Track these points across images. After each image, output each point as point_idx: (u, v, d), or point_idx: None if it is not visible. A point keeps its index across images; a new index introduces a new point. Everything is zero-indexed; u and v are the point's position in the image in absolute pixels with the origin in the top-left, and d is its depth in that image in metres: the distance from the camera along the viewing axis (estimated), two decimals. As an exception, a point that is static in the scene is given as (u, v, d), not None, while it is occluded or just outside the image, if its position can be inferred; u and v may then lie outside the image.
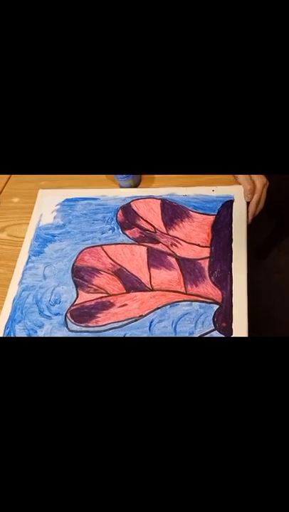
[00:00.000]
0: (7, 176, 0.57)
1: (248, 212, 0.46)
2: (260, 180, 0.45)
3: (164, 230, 0.47)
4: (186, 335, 0.40)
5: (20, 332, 0.44)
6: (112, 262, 0.46)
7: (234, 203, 0.46)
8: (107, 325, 0.42)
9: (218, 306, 0.41)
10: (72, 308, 0.44)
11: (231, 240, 0.44)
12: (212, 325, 0.40)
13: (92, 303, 0.44)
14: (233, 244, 0.44)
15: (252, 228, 0.46)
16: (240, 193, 0.47)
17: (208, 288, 0.42)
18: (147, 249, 0.46)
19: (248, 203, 0.46)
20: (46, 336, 0.43)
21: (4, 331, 0.44)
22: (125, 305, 0.43)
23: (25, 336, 0.43)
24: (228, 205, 0.47)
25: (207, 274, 0.43)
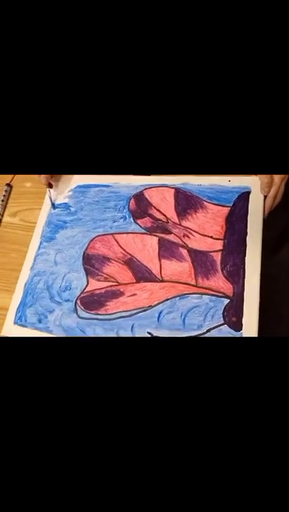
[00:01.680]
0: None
1: (264, 205, 0.45)
2: (279, 172, 0.43)
3: (176, 220, 0.46)
4: (195, 327, 0.40)
5: (31, 316, 0.45)
6: (123, 251, 0.46)
7: (251, 195, 0.45)
8: (116, 313, 0.42)
9: (228, 300, 0.40)
10: (82, 295, 0.44)
11: (246, 233, 0.43)
12: (222, 319, 0.39)
13: (102, 291, 0.44)
14: (247, 238, 0.43)
15: (266, 222, 0.44)
16: (257, 184, 0.45)
17: (219, 281, 0.41)
18: (159, 240, 0.45)
19: (265, 197, 0.45)
20: (56, 321, 0.44)
21: (16, 314, 0.45)
22: (135, 294, 0.43)
23: (36, 320, 0.44)
24: (244, 196, 0.45)
25: (219, 268, 0.42)
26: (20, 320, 0.45)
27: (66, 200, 0.51)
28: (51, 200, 0.50)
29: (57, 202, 0.51)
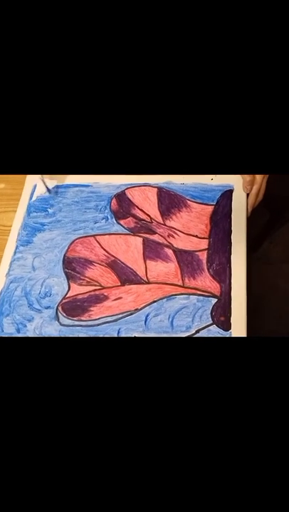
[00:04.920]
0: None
1: (247, 203, 0.45)
2: (260, 170, 0.44)
3: (160, 220, 0.45)
4: (184, 329, 0.39)
5: (8, 326, 0.42)
6: (106, 254, 0.44)
7: (234, 193, 0.45)
8: (100, 319, 0.40)
9: (216, 300, 0.39)
10: (63, 301, 0.42)
11: (230, 231, 0.43)
12: (210, 319, 0.39)
13: (85, 296, 0.42)
14: (232, 236, 0.42)
15: (248, 220, 0.45)
16: (240, 182, 0.45)
17: (206, 281, 0.41)
18: (143, 240, 0.44)
19: (247, 195, 0.45)
20: (36, 330, 0.41)
21: (-9, 325, 0.42)
22: (120, 298, 0.41)
23: (14, 330, 0.41)
24: (227, 195, 0.45)
25: (205, 267, 0.41)
26: (-4, 331, 0.42)
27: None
28: (46, 187, 0.48)
29: (33, 203, 0.48)
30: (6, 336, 0.41)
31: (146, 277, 0.42)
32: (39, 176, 0.48)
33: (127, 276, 0.42)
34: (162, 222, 0.45)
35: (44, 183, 0.48)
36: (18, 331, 0.41)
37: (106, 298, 0.41)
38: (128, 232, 0.45)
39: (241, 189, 0.45)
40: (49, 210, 0.48)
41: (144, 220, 0.45)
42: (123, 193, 0.47)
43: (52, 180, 0.49)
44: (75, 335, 0.40)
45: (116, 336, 0.39)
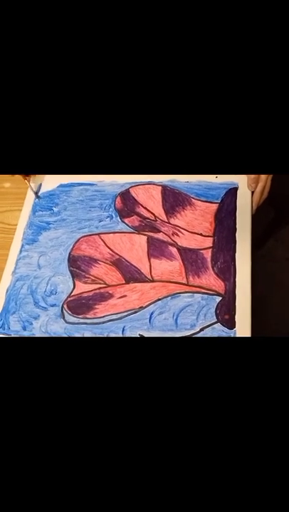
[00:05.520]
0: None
1: (252, 201, 0.45)
2: (265, 167, 0.43)
3: (164, 218, 0.45)
4: (188, 327, 0.39)
5: (14, 324, 0.42)
6: (111, 252, 0.44)
7: (238, 191, 0.45)
8: (105, 317, 0.41)
9: (220, 298, 0.40)
10: (69, 299, 0.42)
11: (235, 229, 0.43)
12: (214, 317, 0.39)
13: (90, 294, 0.42)
14: (236, 234, 0.42)
15: (252, 217, 0.44)
16: (244, 180, 0.45)
17: (210, 279, 0.41)
18: (147, 239, 0.44)
19: (252, 192, 0.45)
20: (42, 327, 0.41)
21: (-2, 322, 0.43)
22: (124, 296, 0.41)
23: (21, 327, 0.42)
24: (232, 192, 0.45)
25: (210, 265, 0.41)
26: (3, 328, 0.42)
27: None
28: (33, 190, 0.48)
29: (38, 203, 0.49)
30: (13, 333, 0.42)
31: (151, 275, 0.42)
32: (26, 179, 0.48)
33: (131, 275, 0.42)
34: (167, 220, 0.45)
35: (31, 186, 0.48)
36: (25, 328, 0.42)
37: (111, 296, 0.42)
38: (132, 231, 0.45)
39: (246, 187, 0.45)
40: (54, 208, 0.48)
41: (148, 219, 0.45)
42: (127, 191, 0.48)
43: (36, 184, 0.49)
44: (81, 332, 0.40)
45: (121, 333, 0.40)
